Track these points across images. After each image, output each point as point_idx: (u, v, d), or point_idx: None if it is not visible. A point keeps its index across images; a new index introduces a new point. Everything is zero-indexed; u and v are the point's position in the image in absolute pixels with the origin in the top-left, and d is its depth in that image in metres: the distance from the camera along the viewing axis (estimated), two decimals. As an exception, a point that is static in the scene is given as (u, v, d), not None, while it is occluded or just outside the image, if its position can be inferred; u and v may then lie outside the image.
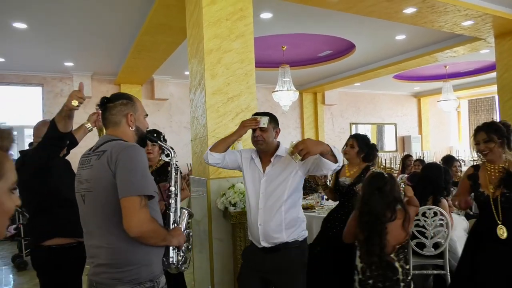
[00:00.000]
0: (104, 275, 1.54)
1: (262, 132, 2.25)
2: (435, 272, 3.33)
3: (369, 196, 2.30)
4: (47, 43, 6.32)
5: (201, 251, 3.74)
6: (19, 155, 2.38)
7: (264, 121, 2.25)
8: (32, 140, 2.55)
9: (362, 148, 3.09)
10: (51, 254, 2.20)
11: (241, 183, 3.41)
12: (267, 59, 8.25)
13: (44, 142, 2.12)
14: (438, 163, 4.17)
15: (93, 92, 8.77)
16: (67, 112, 1.98)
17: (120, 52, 6.93)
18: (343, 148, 3.22)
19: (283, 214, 2.19)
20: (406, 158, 6.60)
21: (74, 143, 2.65)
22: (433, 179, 3.44)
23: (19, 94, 8.98)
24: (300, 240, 2.24)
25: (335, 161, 2.04)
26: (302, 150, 1.91)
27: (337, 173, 3.20)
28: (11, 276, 4.77)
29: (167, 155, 1.88)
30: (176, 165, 1.87)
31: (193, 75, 3.89)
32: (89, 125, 2.59)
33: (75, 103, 1.91)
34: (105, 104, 1.70)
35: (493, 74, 7.84)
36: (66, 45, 6.49)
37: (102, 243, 1.54)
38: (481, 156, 2.60)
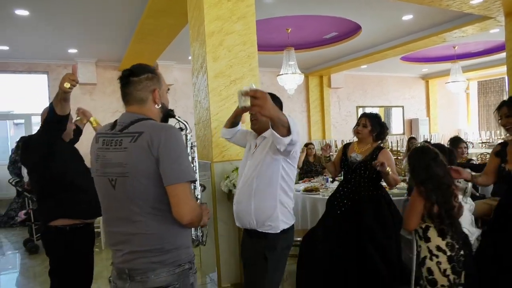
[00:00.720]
0: (141, 260, 1.46)
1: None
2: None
3: (427, 167, 2.21)
4: (50, 30, 6.31)
5: (207, 230, 3.78)
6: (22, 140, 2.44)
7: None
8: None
9: (375, 127, 3.07)
10: (58, 234, 2.25)
11: (245, 166, 3.42)
12: (271, 42, 8.15)
13: (44, 126, 2.15)
14: (445, 144, 4.12)
15: (97, 79, 8.80)
16: (62, 95, 1.95)
17: (124, 38, 6.90)
18: (354, 127, 3.20)
19: (252, 199, 2.07)
20: (410, 141, 6.61)
21: (81, 131, 2.85)
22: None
23: (25, 82, 9.04)
24: (271, 232, 2.05)
25: (286, 134, 1.71)
26: (256, 99, 1.53)
27: (345, 149, 3.21)
28: (23, 259, 4.89)
29: (181, 129, 1.83)
30: (192, 142, 1.80)
31: (195, 58, 3.86)
32: (83, 119, 2.83)
33: (67, 85, 1.86)
34: (128, 77, 1.53)
35: (503, 55, 7.67)
36: (69, 32, 6.47)
37: (137, 229, 1.45)
38: (506, 133, 2.66)
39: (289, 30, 7.27)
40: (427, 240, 2.20)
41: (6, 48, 7.27)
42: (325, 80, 11.72)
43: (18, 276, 4.41)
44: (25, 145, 2.28)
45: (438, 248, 2.17)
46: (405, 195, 3.63)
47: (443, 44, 8.50)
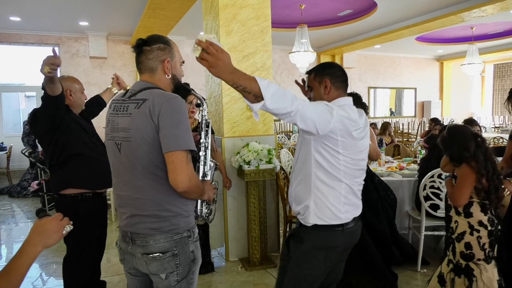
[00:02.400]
0: (141, 225, 1.51)
1: (308, 91, 1.88)
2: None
3: (476, 141, 2.21)
4: (61, 1, 6.25)
5: (216, 209, 3.82)
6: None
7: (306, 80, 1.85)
8: None
9: (357, 106, 3.06)
10: (69, 203, 2.32)
11: (256, 141, 3.41)
12: (284, 19, 7.99)
13: (42, 104, 2.23)
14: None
15: (108, 53, 8.77)
16: (46, 78, 1.99)
17: (135, 11, 6.82)
18: None
19: (293, 182, 1.81)
20: (434, 123, 6.12)
21: (102, 104, 2.86)
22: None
23: (36, 55, 9.05)
24: (302, 223, 1.75)
25: (254, 100, 1.43)
26: (208, 54, 1.34)
27: None
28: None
29: (198, 105, 1.80)
30: (207, 119, 1.78)
31: (207, 32, 3.81)
32: (115, 89, 2.82)
33: (46, 69, 1.88)
34: (141, 46, 1.56)
35: (523, 36, 7.44)
36: (80, 3, 6.41)
37: (139, 194, 1.51)
38: None
39: (302, 7, 7.11)
40: (468, 215, 2.19)
41: (18, 19, 7.25)
42: (337, 60, 11.54)
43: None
44: (33, 117, 2.33)
45: (480, 223, 2.17)
46: (416, 176, 3.62)
47: (461, 25, 8.26)
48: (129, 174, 1.51)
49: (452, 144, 2.22)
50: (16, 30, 8.01)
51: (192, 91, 1.86)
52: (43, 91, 2.13)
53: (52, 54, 1.90)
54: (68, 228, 1.18)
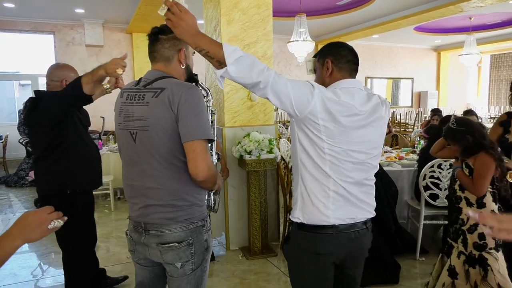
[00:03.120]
0: (157, 215, 1.50)
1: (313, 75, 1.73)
2: (446, 222, 3.37)
3: (485, 132, 2.26)
4: (57, -12, 6.16)
5: (220, 199, 3.83)
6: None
7: (309, 67, 1.74)
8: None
9: None
10: (59, 197, 2.28)
11: (257, 131, 3.41)
12: (283, 7, 7.92)
13: (63, 98, 2.08)
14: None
15: (104, 41, 8.66)
16: (102, 77, 1.91)
17: (132, -2, 6.73)
18: None
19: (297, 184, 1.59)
20: (435, 114, 5.77)
21: (90, 100, 2.70)
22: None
23: (31, 42, 8.93)
24: (293, 220, 1.57)
25: (218, 67, 1.34)
26: (172, 14, 1.32)
27: None
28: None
29: (204, 96, 1.78)
30: (213, 110, 1.76)
31: (208, 21, 3.77)
32: (108, 87, 2.56)
33: (120, 71, 1.80)
34: (157, 35, 1.53)
35: (521, 26, 7.44)
36: (76, -10, 6.31)
37: (154, 184, 1.49)
38: None
39: (301, -5, 7.06)
40: (482, 206, 2.21)
41: (12, 5, 7.12)
42: (335, 49, 11.48)
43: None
44: (34, 105, 2.18)
45: (492, 213, 2.20)
46: (415, 166, 3.64)
47: (459, 15, 8.24)
48: (145, 163, 1.49)
49: (467, 133, 2.19)
50: (11, 17, 7.87)
51: (198, 82, 1.84)
52: (75, 88, 1.96)
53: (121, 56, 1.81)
54: (57, 223, 1.05)
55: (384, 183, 3.25)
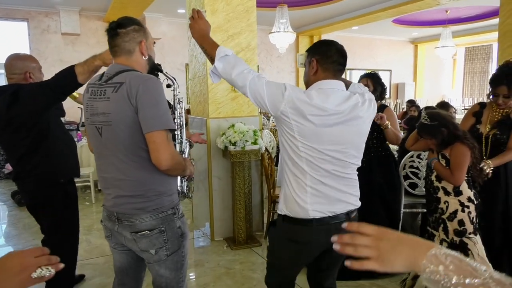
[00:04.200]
0: (128, 206, 1.55)
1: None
2: (425, 210, 3.50)
3: (455, 123, 2.32)
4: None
5: (199, 189, 3.84)
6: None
7: (300, 61, 1.79)
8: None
9: (377, 87, 3.04)
10: (55, 187, 2.31)
11: (241, 122, 3.42)
12: (264, -2, 7.89)
13: (54, 89, 2.03)
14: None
15: (81, 30, 8.40)
16: (98, 67, 1.97)
17: (110, -14, 6.54)
18: None
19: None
20: (411, 105, 6.21)
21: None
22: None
23: (3, 30, 8.57)
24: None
25: (211, 62, 1.64)
26: (193, 19, 1.69)
27: None
28: (11, 211, 4.88)
29: (168, 86, 1.82)
30: (180, 98, 1.84)
31: (191, 11, 3.72)
32: None
33: None
34: (116, 29, 1.55)
35: (495, 21, 7.67)
36: (51, -24, 6.09)
37: (123, 175, 1.54)
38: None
39: (283, -14, 7.04)
40: (458, 194, 2.28)
41: (-18, -9, 6.81)
42: (315, 40, 11.54)
43: (7, 227, 4.41)
44: (13, 99, 2.07)
45: (469, 199, 2.28)
46: (396, 156, 3.74)
47: (437, 8, 8.41)
48: (112, 156, 1.54)
49: (441, 127, 2.26)
50: (-20, 3, 7.53)
51: (163, 72, 1.83)
52: (68, 76, 1.94)
53: None
54: (45, 271, 0.78)
55: (399, 173, 3.28)
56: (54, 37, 8.31)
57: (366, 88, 1.73)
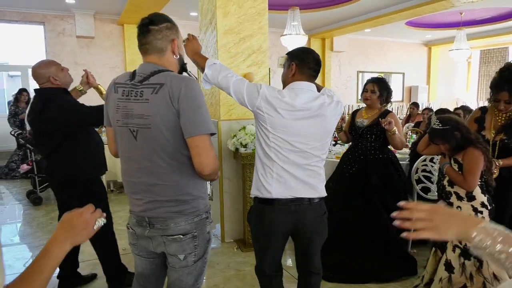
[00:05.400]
0: (162, 210, 1.50)
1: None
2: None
3: (465, 124, 2.30)
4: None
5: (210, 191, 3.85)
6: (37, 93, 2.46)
7: (280, 62, 2.02)
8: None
9: (383, 92, 3.09)
10: (84, 184, 2.49)
11: (252, 125, 3.43)
12: (276, 0, 7.90)
13: (85, 117, 2.34)
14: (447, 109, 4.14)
15: (96, 33, 8.54)
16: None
17: (124, -11, 6.64)
18: (362, 93, 3.22)
19: None
20: (426, 112, 6.24)
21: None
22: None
23: (21, 33, 8.76)
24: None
25: (202, 71, 1.92)
26: (188, 40, 1.97)
27: (354, 115, 3.25)
28: (26, 210, 4.97)
29: None
30: None
31: (203, 13, 3.76)
32: (81, 87, 2.71)
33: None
34: (148, 26, 1.48)
35: (511, 23, 7.54)
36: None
37: (158, 180, 1.47)
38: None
39: (295, -12, 7.04)
40: (471, 199, 2.24)
41: (0, -5, 6.98)
42: (327, 43, 11.50)
43: (21, 226, 4.50)
44: (45, 107, 2.31)
45: (482, 204, 2.23)
46: (407, 160, 3.70)
47: (451, 10, 8.31)
48: (146, 161, 1.47)
49: (454, 131, 2.21)
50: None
51: (187, 72, 1.85)
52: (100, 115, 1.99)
53: None
54: (101, 222, 1.03)
55: (401, 174, 3.27)
56: (69, 40, 8.47)
57: (335, 93, 1.99)
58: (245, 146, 3.28)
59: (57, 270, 2.71)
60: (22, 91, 6.78)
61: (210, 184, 1.81)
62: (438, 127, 2.27)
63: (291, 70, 1.87)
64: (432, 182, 3.29)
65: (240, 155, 3.31)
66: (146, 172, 1.48)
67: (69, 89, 2.61)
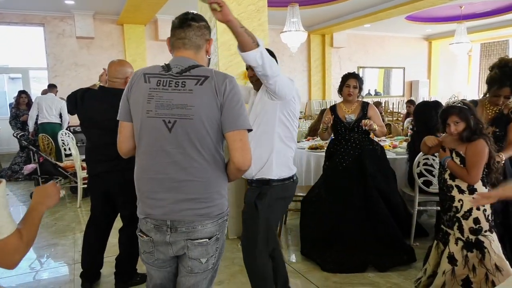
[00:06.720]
0: (189, 212, 1.43)
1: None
2: (439, 208, 3.45)
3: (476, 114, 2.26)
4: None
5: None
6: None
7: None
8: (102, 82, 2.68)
9: (361, 86, 3.28)
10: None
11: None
12: (275, -3, 7.91)
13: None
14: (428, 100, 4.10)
15: (95, 33, 8.56)
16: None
17: (123, -11, 6.65)
18: (341, 89, 3.30)
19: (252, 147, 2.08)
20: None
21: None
22: (424, 118, 3.36)
23: (21, 35, 8.79)
24: (265, 178, 2.08)
25: (252, 43, 1.70)
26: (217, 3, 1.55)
27: (334, 112, 3.32)
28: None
29: None
30: None
31: (203, 12, 3.75)
32: (99, 82, 2.79)
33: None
34: (190, 21, 1.47)
35: (511, 15, 7.52)
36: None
37: (188, 176, 1.42)
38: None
39: (294, -15, 7.04)
40: (473, 191, 2.23)
41: (0, -3, 7.00)
42: (327, 39, 11.50)
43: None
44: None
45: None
46: (406, 160, 3.70)
47: (450, 4, 8.30)
48: (179, 154, 1.41)
49: (471, 115, 2.17)
50: (-1, 9, 7.75)
51: None
52: None
53: None
54: (62, 193, 1.35)
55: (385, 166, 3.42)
56: (69, 41, 8.49)
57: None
58: (247, 142, 3.30)
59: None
60: (21, 93, 6.79)
61: None
62: (460, 105, 2.23)
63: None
64: (433, 176, 3.29)
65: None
66: (176, 167, 1.41)
67: (88, 86, 2.76)
